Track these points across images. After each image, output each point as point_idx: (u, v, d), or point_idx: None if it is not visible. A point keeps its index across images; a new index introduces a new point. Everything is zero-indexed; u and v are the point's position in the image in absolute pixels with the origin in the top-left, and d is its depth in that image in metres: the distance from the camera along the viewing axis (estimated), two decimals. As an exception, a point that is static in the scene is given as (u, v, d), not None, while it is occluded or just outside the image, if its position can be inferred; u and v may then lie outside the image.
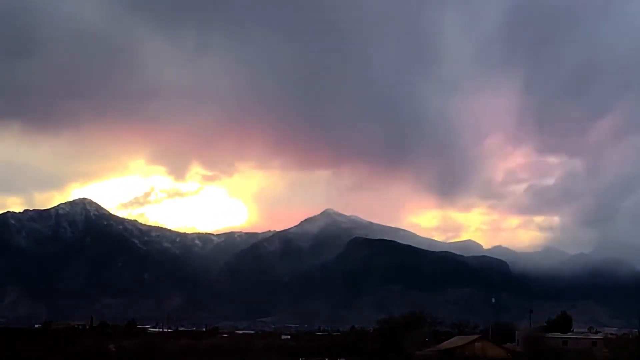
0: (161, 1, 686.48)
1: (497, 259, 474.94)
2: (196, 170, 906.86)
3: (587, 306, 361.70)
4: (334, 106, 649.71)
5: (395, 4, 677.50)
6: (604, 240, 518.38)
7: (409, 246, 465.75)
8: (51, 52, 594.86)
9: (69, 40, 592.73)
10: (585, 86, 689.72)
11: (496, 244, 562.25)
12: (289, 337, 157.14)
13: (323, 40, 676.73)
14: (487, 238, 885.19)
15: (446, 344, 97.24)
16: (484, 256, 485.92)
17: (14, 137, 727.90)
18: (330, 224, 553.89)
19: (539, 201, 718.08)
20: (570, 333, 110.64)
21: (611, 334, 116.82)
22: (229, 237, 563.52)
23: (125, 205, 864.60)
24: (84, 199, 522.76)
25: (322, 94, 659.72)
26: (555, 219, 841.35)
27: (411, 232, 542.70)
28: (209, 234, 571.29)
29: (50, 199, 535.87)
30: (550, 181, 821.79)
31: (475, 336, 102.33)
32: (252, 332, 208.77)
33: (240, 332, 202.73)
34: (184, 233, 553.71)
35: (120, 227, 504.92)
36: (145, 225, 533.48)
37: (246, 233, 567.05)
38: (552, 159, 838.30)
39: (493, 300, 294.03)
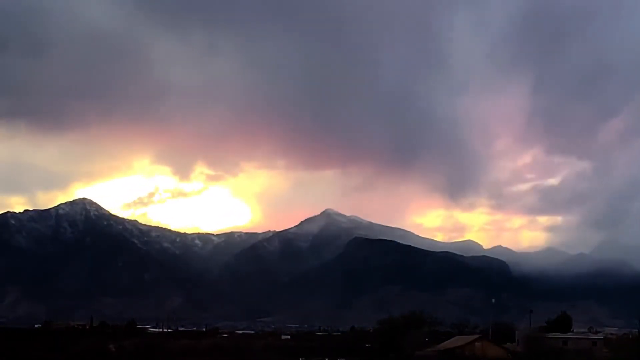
0: (170, 2, 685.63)
1: (497, 259, 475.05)
2: (201, 170, 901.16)
3: (587, 306, 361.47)
4: (342, 106, 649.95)
5: (405, 4, 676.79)
6: (604, 241, 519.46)
7: (409, 246, 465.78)
8: (60, 53, 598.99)
9: (78, 40, 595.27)
10: (595, 87, 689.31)
11: (497, 244, 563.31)
12: (289, 337, 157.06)
13: (332, 40, 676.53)
14: (489, 238, 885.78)
15: (446, 344, 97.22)
16: (484, 256, 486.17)
17: (20, 136, 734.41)
18: (330, 224, 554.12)
19: (544, 201, 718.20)
20: (570, 333, 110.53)
21: (611, 334, 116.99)
22: (229, 237, 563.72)
23: (129, 205, 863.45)
24: (84, 199, 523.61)
25: (331, 95, 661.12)
26: (559, 219, 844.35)
27: (411, 232, 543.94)
28: (209, 234, 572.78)
29: (53, 199, 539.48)
30: (555, 181, 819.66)
31: (475, 336, 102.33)
32: (252, 332, 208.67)
33: (240, 332, 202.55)
34: (184, 233, 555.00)
35: (120, 227, 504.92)
36: (145, 225, 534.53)
37: (246, 233, 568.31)
38: (560, 160, 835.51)
39: (493, 300, 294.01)
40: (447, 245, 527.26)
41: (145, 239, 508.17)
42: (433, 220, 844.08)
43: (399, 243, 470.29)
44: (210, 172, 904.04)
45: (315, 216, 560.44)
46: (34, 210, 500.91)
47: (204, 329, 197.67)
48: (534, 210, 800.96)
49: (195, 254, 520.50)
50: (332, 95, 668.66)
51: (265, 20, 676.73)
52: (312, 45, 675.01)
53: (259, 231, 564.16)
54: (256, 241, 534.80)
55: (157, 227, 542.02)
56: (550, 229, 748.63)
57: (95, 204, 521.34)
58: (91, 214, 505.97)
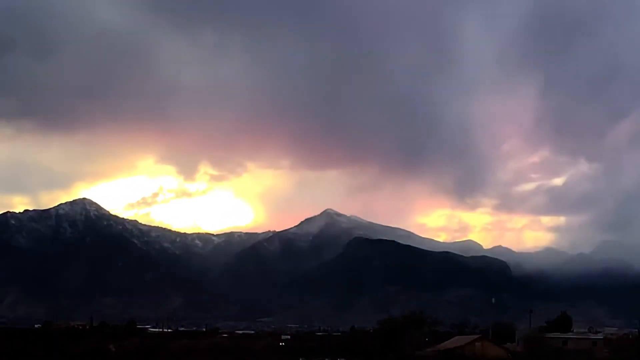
0: (177, 2, 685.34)
1: (497, 259, 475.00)
2: (205, 170, 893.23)
3: (587, 306, 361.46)
4: (349, 107, 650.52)
5: (414, 5, 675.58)
6: (604, 241, 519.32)
7: (409, 246, 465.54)
8: (68, 53, 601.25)
9: (86, 40, 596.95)
10: (604, 89, 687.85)
11: (497, 244, 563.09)
12: (289, 337, 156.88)
13: (340, 40, 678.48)
14: (491, 238, 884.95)
15: (446, 344, 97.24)
16: (484, 256, 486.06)
17: (26, 136, 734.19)
18: (330, 224, 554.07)
19: (548, 202, 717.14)
20: (570, 333, 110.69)
21: (611, 334, 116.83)
22: (229, 237, 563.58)
23: (132, 205, 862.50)
24: (84, 198, 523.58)
25: (337, 95, 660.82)
26: (562, 219, 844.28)
27: (412, 232, 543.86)
28: (209, 234, 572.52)
29: (56, 199, 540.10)
30: (560, 181, 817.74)
31: (475, 336, 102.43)
32: (252, 332, 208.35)
33: (240, 332, 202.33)
34: (184, 233, 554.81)
35: (120, 227, 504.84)
36: (145, 225, 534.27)
37: (246, 233, 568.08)
38: (567, 161, 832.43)
39: (493, 300, 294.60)
40: (447, 245, 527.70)
41: (145, 239, 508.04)
42: (436, 220, 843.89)
43: (399, 243, 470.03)
44: (215, 172, 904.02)
45: (315, 216, 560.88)
46: (33, 210, 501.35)
47: (204, 329, 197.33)
48: (538, 210, 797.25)
49: (195, 254, 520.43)
50: (339, 96, 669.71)
51: (272, 20, 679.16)
52: (320, 45, 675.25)
53: (259, 231, 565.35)
54: (256, 241, 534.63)
55: (157, 227, 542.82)
56: (552, 229, 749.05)
57: (95, 203, 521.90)
58: (91, 214, 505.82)
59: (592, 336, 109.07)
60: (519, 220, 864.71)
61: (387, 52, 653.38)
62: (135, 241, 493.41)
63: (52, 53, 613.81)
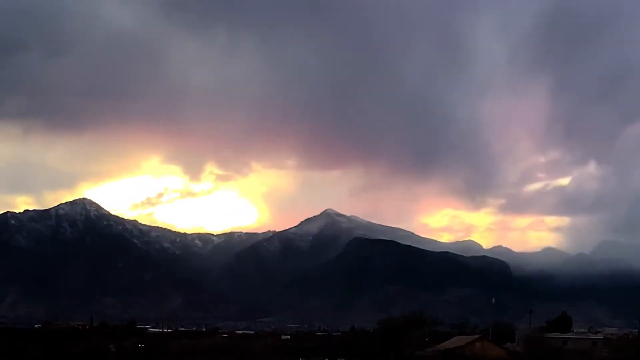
0: (188, 3, 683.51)
1: (497, 259, 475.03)
2: (211, 169, 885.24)
3: (587, 306, 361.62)
4: (359, 108, 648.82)
5: (427, 6, 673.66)
6: (604, 241, 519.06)
7: (409, 246, 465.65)
8: (79, 53, 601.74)
9: (97, 41, 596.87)
10: (615, 91, 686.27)
11: (497, 244, 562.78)
12: (289, 337, 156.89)
13: (351, 41, 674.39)
14: (493, 238, 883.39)
15: (446, 344, 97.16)
16: (484, 256, 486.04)
17: (33, 136, 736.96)
18: (330, 224, 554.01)
19: (553, 202, 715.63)
20: (570, 333, 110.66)
21: (611, 334, 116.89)
22: (229, 237, 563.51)
23: (136, 206, 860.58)
24: (84, 198, 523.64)
25: (349, 96, 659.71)
26: (566, 220, 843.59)
27: (412, 232, 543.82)
28: (209, 234, 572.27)
29: (60, 199, 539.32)
30: (565, 182, 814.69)
31: (475, 336, 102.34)
32: (252, 332, 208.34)
33: (240, 332, 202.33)
34: (184, 233, 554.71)
35: (120, 227, 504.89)
36: (145, 225, 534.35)
37: (246, 233, 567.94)
38: (577, 163, 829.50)
39: (493, 300, 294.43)
40: (447, 245, 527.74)
41: (146, 239, 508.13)
42: (440, 220, 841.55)
43: (399, 243, 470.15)
44: (220, 172, 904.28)
45: (315, 216, 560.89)
46: (33, 210, 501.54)
47: (204, 329, 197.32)
48: (542, 210, 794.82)
49: (195, 254, 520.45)
50: (349, 97, 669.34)
51: (283, 21, 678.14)
52: (330, 46, 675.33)
53: (260, 231, 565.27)
54: (256, 241, 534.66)
55: (157, 227, 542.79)
56: (557, 229, 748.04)
57: (95, 204, 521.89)
58: (91, 214, 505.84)
59: (592, 336, 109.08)
60: (523, 221, 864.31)
61: (398, 53, 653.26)
62: (135, 241, 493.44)
63: (63, 53, 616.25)
